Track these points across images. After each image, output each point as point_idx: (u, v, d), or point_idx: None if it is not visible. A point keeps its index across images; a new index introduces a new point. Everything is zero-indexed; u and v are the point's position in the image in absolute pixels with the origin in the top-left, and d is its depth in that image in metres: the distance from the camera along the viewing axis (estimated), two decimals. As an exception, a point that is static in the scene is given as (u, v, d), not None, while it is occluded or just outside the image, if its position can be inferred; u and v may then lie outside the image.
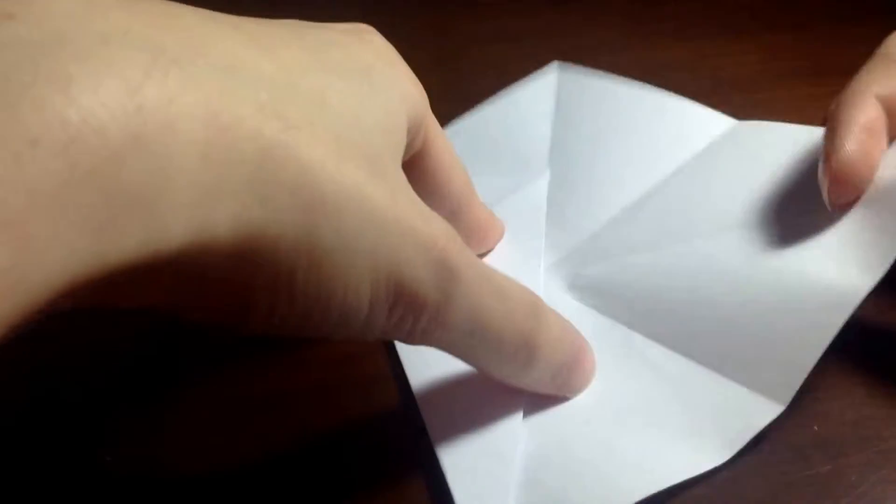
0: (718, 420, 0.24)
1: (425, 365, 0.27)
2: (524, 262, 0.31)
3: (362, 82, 0.21)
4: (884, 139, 0.26)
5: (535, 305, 0.23)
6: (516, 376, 0.24)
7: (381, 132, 0.21)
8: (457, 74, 0.50)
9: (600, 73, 0.38)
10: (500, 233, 0.32)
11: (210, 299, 0.18)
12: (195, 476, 0.25)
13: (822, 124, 0.27)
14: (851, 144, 0.25)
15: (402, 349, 0.28)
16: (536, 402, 0.25)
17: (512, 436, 0.24)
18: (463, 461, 0.23)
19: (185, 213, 0.16)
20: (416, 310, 0.20)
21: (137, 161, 0.15)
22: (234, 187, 0.16)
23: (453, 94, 0.46)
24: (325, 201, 0.18)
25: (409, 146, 0.24)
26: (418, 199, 0.21)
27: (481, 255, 0.31)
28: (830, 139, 0.25)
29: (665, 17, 0.56)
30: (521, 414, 0.25)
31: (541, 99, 0.38)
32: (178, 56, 0.16)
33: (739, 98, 0.43)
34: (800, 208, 0.27)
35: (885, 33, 0.28)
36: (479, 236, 0.30)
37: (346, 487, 0.24)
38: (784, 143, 0.29)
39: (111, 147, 0.14)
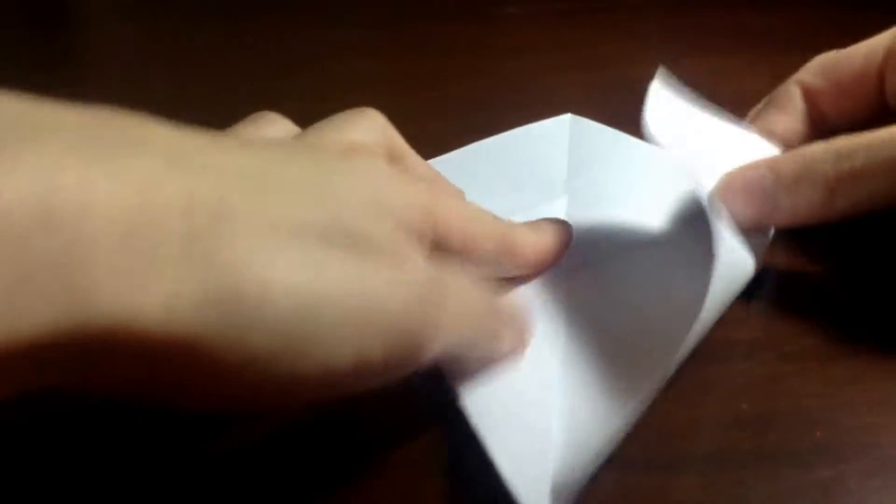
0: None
1: None
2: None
3: (336, 169, 0.22)
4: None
5: (494, 304, 0.25)
6: (478, 364, 0.26)
7: (360, 208, 0.21)
8: (484, 86, 0.51)
9: (606, 127, 0.40)
10: (553, 248, 0.31)
11: (151, 387, 0.19)
12: (203, 446, 0.25)
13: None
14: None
15: None
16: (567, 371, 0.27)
17: (546, 404, 0.26)
18: (500, 431, 0.24)
19: (106, 294, 0.16)
20: (394, 362, 0.21)
21: (47, 240, 0.15)
22: (163, 274, 0.17)
23: (484, 105, 0.48)
24: (269, 284, 0.18)
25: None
26: (403, 251, 0.21)
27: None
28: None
29: (683, 31, 0.57)
30: (553, 382, 0.26)
31: (556, 134, 0.40)
32: (111, 145, 0.17)
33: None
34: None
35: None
36: (533, 270, 0.31)
37: (363, 455, 0.25)
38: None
39: (18, 225, 0.15)
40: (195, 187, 0.18)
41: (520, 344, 0.27)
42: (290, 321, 0.18)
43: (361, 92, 0.50)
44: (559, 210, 0.35)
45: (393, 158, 0.28)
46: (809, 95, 0.34)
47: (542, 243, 0.30)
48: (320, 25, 0.62)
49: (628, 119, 0.44)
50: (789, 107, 0.34)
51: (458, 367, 0.26)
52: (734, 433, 0.26)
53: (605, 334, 0.29)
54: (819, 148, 0.29)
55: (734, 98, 0.46)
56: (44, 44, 0.61)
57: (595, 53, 0.55)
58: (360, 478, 0.25)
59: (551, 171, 0.37)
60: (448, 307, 0.22)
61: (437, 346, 0.22)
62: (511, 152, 0.38)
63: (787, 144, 0.33)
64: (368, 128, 0.27)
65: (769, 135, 0.33)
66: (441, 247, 0.25)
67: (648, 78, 0.50)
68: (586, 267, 0.32)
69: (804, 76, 0.34)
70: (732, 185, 0.30)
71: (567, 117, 0.41)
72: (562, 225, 0.31)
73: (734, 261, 0.27)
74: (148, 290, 0.16)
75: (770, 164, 0.30)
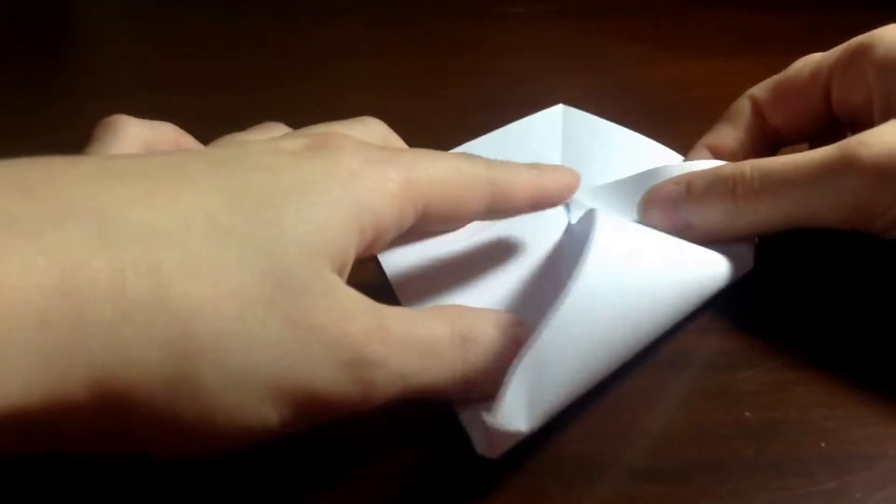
0: None
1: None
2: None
3: (286, 206, 0.21)
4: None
5: (463, 335, 0.23)
6: (461, 396, 0.24)
7: (307, 250, 0.21)
8: (486, 85, 0.51)
9: (597, 117, 0.40)
10: (556, 184, 0.29)
11: (97, 445, 0.19)
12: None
13: None
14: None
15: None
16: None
17: None
18: None
19: (24, 377, 0.16)
20: (338, 406, 0.21)
21: None
22: (90, 349, 0.17)
23: (485, 104, 0.47)
24: (203, 346, 0.18)
25: (384, 238, 0.24)
26: (344, 301, 0.21)
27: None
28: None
29: (685, 34, 0.57)
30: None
31: (549, 128, 0.39)
32: (33, 226, 0.17)
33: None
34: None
35: None
36: (530, 208, 0.29)
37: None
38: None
39: None
40: (123, 256, 0.18)
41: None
42: (248, 363, 0.19)
43: (362, 90, 0.50)
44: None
45: None
46: (759, 109, 0.35)
47: (535, 183, 0.28)
48: (321, 24, 0.62)
49: (629, 121, 0.44)
50: (739, 120, 0.35)
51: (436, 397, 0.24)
52: (738, 442, 0.25)
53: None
54: (729, 166, 0.30)
55: (734, 100, 0.46)
56: (42, 42, 0.61)
57: (597, 54, 0.55)
58: (352, 481, 0.24)
59: (546, 162, 0.37)
60: (388, 361, 0.21)
61: (379, 396, 0.21)
62: (506, 147, 0.38)
63: (735, 157, 0.34)
64: (365, 133, 0.27)
65: (717, 148, 0.35)
66: (427, 216, 0.25)
67: (651, 79, 0.50)
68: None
69: (756, 91, 0.35)
70: (653, 198, 0.31)
71: (559, 108, 0.40)
72: (565, 169, 0.30)
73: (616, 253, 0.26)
74: (78, 367, 0.17)
75: (686, 179, 0.31)
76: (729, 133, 0.35)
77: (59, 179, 0.19)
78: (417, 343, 0.22)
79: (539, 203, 0.29)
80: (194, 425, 0.19)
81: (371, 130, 0.28)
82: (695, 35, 0.56)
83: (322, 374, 0.20)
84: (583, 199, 0.33)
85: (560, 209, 0.33)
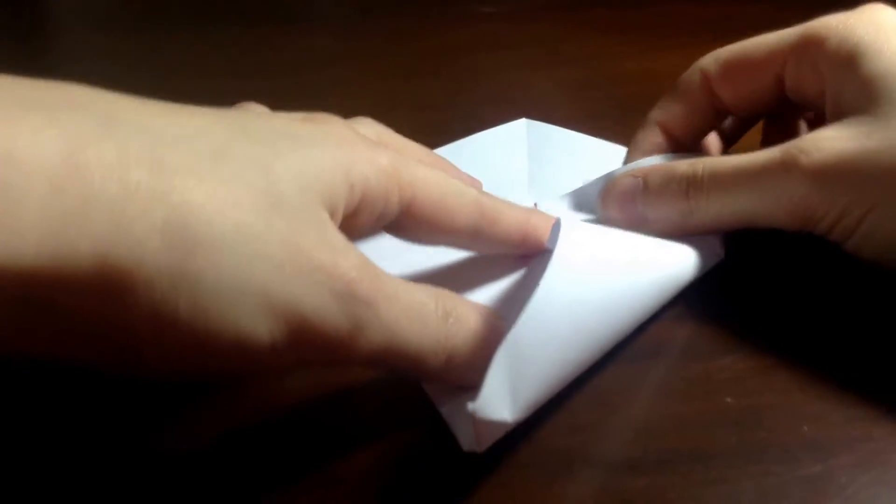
0: None
1: None
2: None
3: (282, 144, 0.22)
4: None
5: (447, 309, 0.24)
6: (441, 375, 0.24)
7: (301, 181, 0.21)
8: (453, 82, 0.50)
9: (561, 128, 0.41)
10: (544, 225, 0.30)
11: (95, 341, 0.19)
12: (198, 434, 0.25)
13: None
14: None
15: None
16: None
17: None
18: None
19: (36, 234, 0.17)
20: (327, 339, 0.21)
21: None
22: (96, 222, 0.18)
23: (449, 102, 0.47)
24: (201, 244, 0.19)
25: (370, 211, 0.24)
26: (335, 238, 0.21)
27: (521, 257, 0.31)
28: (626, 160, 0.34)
29: (657, 25, 0.57)
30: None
31: (514, 138, 0.40)
32: (45, 105, 0.18)
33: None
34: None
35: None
36: (517, 242, 0.29)
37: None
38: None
39: None
40: (129, 145, 0.18)
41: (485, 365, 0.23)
42: (244, 268, 0.19)
43: (338, 95, 0.49)
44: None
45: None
46: (709, 83, 0.34)
47: (524, 218, 0.29)
48: (293, 30, 0.62)
49: (604, 114, 0.44)
50: (688, 94, 0.34)
51: (417, 376, 0.25)
52: (720, 430, 0.25)
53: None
54: (684, 164, 0.30)
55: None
56: (16, 52, 0.60)
57: (566, 49, 0.55)
58: (345, 474, 0.24)
59: (513, 175, 0.38)
60: (377, 304, 0.22)
61: (365, 343, 0.22)
62: (473, 154, 0.39)
63: (685, 133, 0.34)
64: (359, 128, 0.27)
65: (666, 124, 0.34)
66: (412, 213, 0.25)
67: (620, 72, 0.50)
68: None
69: (707, 63, 0.34)
70: (611, 191, 0.32)
71: (522, 122, 0.41)
72: (546, 216, 0.30)
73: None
74: (85, 237, 0.17)
75: (644, 173, 0.31)
76: (678, 109, 0.34)
77: (68, 86, 0.20)
78: (404, 303, 0.23)
79: (527, 238, 0.29)
80: (189, 325, 0.19)
81: (366, 127, 0.29)
82: (662, 26, 0.56)
83: (313, 299, 0.20)
84: (550, 207, 0.34)
85: None
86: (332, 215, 0.23)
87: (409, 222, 0.26)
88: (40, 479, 0.24)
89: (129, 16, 0.68)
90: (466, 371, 0.24)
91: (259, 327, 0.20)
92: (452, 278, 0.30)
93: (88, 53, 0.61)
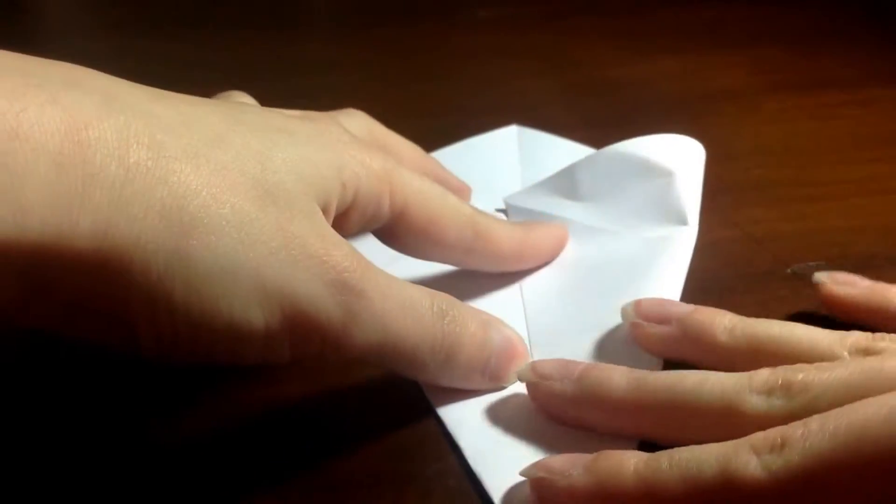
0: None
1: None
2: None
3: (277, 137, 0.22)
4: None
5: (443, 308, 0.23)
6: (440, 377, 0.24)
7: (295, 173, 0.22)
8: (450, 89, 0.50)
9: (550, 135, 0.41)
10: (541, 245, 0.29)
11: (91, 318, 0.19)
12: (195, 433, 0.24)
13: None
14: None
15: None
16: None
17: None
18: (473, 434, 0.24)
19: (40, 210, 0.17)
20: (320, 328, 0.21)
21: None
22: (96, 200, 0.18)
23: (445, 109, 0.47)
24: (197, 226, 0.19)
25: (361, 211, 0.24)
26: (327, 230, 0.21)
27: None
28: None
29: (657, 31, 0.57)
30: None
31: (506, 144, 0.40)
32: (47, 82, 0.18)
33: (729, 107, 0.43)
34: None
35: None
36: (511, 261, 0.29)
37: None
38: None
39: None
40: (128, 126, 0.19)
41: (486, 367, 0.24)
42: (239, 254, 0.19)
43: (334, 100, 0.49)
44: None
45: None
46: None
47: (518, 236, 0.28)
48: (291, 36, 0.62)
49: (600, 120, 0.44)
50: None
51: (417, 377, 0.24)
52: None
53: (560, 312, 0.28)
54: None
55: (707, 95, 0.47)
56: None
57: (564, 55, 0.55)
58: (345, 475, 0.23)
59: (506, 181, 0.37)
60: (369, 296, 0.21)
61: (359, 334, 0.21)
62: (465, 159, 0.38)
63: None
64: (350, 125, 0.27)
65: None
66: (404, 222, 0.25)
67: (620, 78, 0.50)
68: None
69: None
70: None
71: (513, 128, 0.41)
72: (556, 228, 0.30)
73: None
74: (86, 214, 0.17)
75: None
76: None
77: (68, 65, 0.20)
78: (397, 297, 0.22)
79: (524, 256, 0.28)
80: (183, 306, 0.19)
81: (356, 122, 0.29)
82: (661, 32, 0.56)
83: (307, 287, 0.20)
84: (520, 203, 0.34)
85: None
86: (325, 211, 0.23)
87: (400, 230, 0.26)
88: (35, 474, 0.23)
89: (124, 21, 0.68)
90: (466, 374, 0.24)
91: (252, 312, 0.20)
92: (447, 288, 0.29)
93: (83, 57, 0.61)
